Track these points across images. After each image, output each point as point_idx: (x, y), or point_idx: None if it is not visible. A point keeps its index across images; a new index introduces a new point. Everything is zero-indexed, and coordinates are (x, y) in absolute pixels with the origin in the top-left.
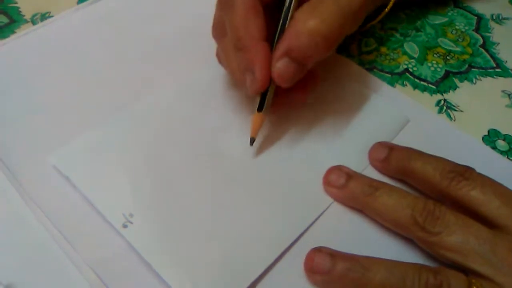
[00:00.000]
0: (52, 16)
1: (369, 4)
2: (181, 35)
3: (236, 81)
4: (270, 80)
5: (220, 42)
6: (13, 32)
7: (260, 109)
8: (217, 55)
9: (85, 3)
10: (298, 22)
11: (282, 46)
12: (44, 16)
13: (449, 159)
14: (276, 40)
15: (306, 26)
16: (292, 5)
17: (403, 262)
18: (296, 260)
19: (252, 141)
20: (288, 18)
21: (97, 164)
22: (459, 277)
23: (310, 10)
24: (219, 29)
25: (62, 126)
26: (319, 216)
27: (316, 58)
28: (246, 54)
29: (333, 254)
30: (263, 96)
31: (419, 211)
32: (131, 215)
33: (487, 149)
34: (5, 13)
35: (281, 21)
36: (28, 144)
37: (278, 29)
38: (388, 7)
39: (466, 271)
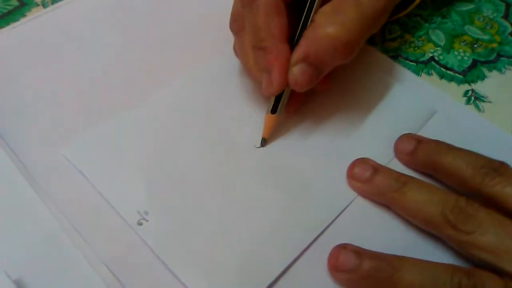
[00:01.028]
0: (63, 0)
1: (392, 5)
2: (196, 23)
3: (251, 78)
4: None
5: (238, 37)
6: (23, 15)
7: (273, 111)
8: (234, 48)
9: None
10: (317, 27)
11: (300, 51)
12: (55, 0)
13: (479, 153)
14: (295, 43)
15: (326, 32)
16: (314, 7)
17: (434, 262)
18: (318, 257)
19: (263, 142)
20: (309, 20)
21: (110, 158)
22: (494, 279)
23: (331, 15)
24: (238, 23)
25: (73, 116)
26: (341, 212)
27: (334, 64)
28: (266, 55)
29: (359, 252)
30: (278, 98)
31: (450, 208)
32: (146, 213)
33: None
34: None
35: (301, 23)
36: (40, 135)
37: (298, 32)
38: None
39: (500, 273)
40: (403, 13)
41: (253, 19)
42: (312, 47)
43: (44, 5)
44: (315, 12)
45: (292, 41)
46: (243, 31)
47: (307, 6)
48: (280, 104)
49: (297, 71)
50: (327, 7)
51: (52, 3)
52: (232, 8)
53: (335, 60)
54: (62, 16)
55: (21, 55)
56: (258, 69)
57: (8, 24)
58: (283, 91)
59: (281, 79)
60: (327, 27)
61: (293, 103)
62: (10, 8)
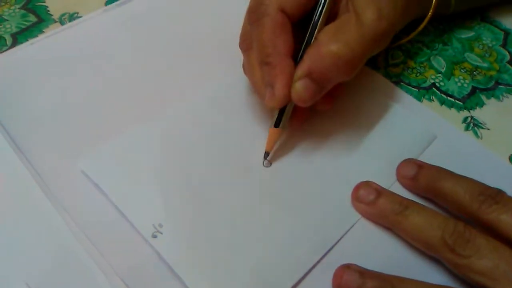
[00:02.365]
0: (80, 17)
1: (394, 28)
2: (210, 42)
3: (257, 94)
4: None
5: (246, 55)
6: (41, 31)
7: (277, 124)
8: (243, 66)
9: (113, 4)
10: (321, 45)
11: (303, 67)
12: (72, 17)
13: (475, 178)
14: (298, 59)
15: (328, 49)
16: (318, 26)
17: (433, 284)
18: (323, 276)
19: (266, 155)
20: (313, 38)
21: (126, 172)
22: None
23: (334, 33)
24: (246, 42)
25: (90, 129)
26: (346, 232)
27: (336, 81)
28: (271, 69)
29: (363, 272)
30: (281, 111)
31: (449, 232)
32: (161, 225)
33: None
34: (33, 12)
35: (305, 41)
36: (57, 147)
37: (302, 49)
38: (420, 26)
39: None
40: (405, 39)
41: (260, 35)
42: (315, 64)
43: (62, 22)
44: (319, 31)
45: (297, 57)
46: (251, 49)
47: (311, 24)
48: (283, 118)
49: (300, 86)
50: (330, 26)
51: (70, 20)
52: (242, 28)
53: (337, 77)
54: (78, 33)
55: (39, 70)
56: (263, 84)
57: (27, 39)
58: (287, 105)
59: (283, 93)
60: (330, 45)
61: (298, 119)
62: (28, 24)
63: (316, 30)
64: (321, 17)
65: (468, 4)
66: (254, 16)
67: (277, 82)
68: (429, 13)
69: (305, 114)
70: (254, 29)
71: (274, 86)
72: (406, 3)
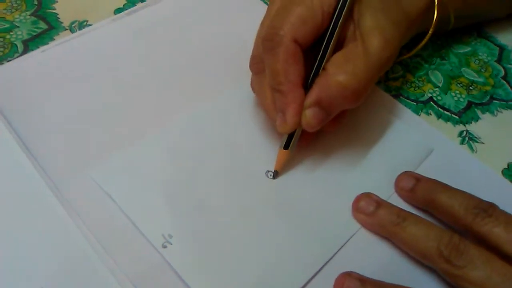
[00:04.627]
0: (90, 25)
1: (396, 52)
2: (216, 55)
3: (267, 114)
4: None
5: (257, 77)
6: (52, 38)
7: (286, 147)
8: (252, 86)
9: (122, 13)
10: (329, 75)
11: (312, 96)
12: (82, 25)
13: (470, 191)
14: (308, 87)
15: (336, 80)
16: (326, 56)
17: None
18: (325, 284)
19: (275, 174)
20: (321, 68)
21: (137, 182)
22: None
23: (341, 64)
24: (258, 65)
25: (101, 138)
26: (347, 241)
27: (343, 109)
28: (282, 97)
29: (363, 280)
30: (290, 136)
31: (444, 244)
32: (170, 236)
33: (506, 182)
34: (44, 19)
35: (313, 71)
36: (70, 156)
37: (310, 78)
38: (421, 43)
39: None
40: (406, 56)
41: (274, 64)
42: (324, 93)
43: (72, 30)
44: (327, 61)
45: (306, 83)
46: (262, 73)
47: (320, 55)
48: (292, 142)
49: (309, 114)
50: (338, 56)
51: (79, 28)
52: (253, 51)
53: (344, 105)
54: (88, 42)
55: (51, 77)
56: (274, 108)
57: (37, 47)
58: (295, 130)
59: (294, 120)
60: (337, 76)
61: (305, 140)
62: (39, 31)
63: (325, 60)
64: (330, 47)
65: (467, 21)
66: (269, 44)
67: (289, 111)
68: (430, 31)
69: (312, 136)
70: (268, 58)
71: (285, 114)
72: (408, 24)
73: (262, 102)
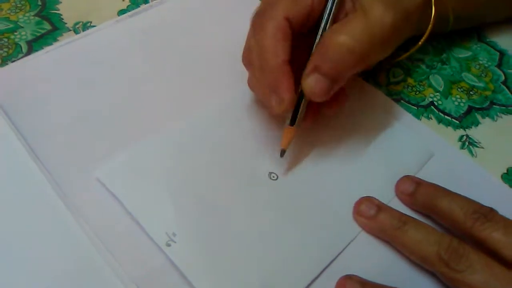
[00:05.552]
0: (94, 26)
1: (399, 32)
2: (220, 54)
3: (264, 104)
4: (302, 95)
5: (250, 70)
6: (55, 39)
7: (292, 123)
8: (249, 82)
9: (125, 15)
10: (325, 38)
11: (311, 62)
12: (86, 26)
13: (470, 195)
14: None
15: (332, 41)
16: (326, 28)
17: None
18: (326, 286)
19: (282, 153)
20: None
21: (140, 181)
22: None
23: (338, 28)
24: (249, 58)
25: (104, 138)
26: (348, 244)
27: (346, 73)
28: (270, 74)
29: (364, 283)
30: (295, 111)
31: (444, 248)
32: (174, 234)
33: (506, 187)
34: (48, 19)
35: (315, 42)
36: (73, 156)
37: (313, 49)
38: (420, 42)
39: None
40: (406, 55)
41: (261, 40)
42: (322, 57)
43: (75, 31)
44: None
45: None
46: (253, 64)
47: (321, 27)
48: (298, 117)
49: (311, 81)
50: (337, 24)
51: (83, 29)
52: (246, 44)
53: (346, 68)
54: (92, 43)
55: (55, 78)
56: (267, 92)
57: (41, 47)
58: (300, 105)
59: (288, 96)
60: (333, 37)
61: (309, 119)
62: (43, 31)
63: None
64: (329, 21)
65: (466, 24)
66: (258, 20)
67: (280, 86)
68: (430, 26)
69: (315, 113)
70: (257, 33)
71: (277, 92)
72: (407, 16)
73: (258, 93)
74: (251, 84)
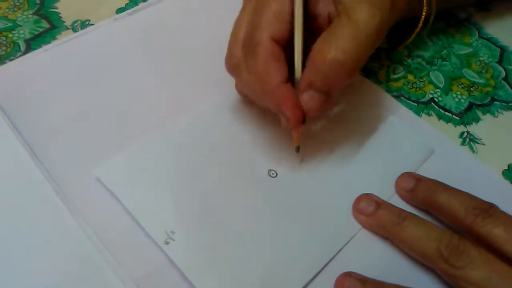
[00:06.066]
0: (92, 25)
1: (387, 24)
2: (219, 52)
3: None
4: None
5: (240, 79)
6: (54, 38)
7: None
8: (237, 87)
9: (124, 13)
10: (315, 54)
11: (304, 80)
12: (84, 24)
13: (470, 192)
14: (293, 74)
15: (323, 57)
16: (300, 38)
17: None
18: (326, 284)
19: (297, 149)
20: (299, 52)
21: (139, 179)
22: None
23: (326, 40)
24: (238, 66)
25: (104, 136)
26: (347, 242)
27: (339, 85)
28: (272, 97)
29: (363, 280)
30: None
31: (444, 244)
32: (173, 232)
33: (507, 183)
34: (46, 17)
35: (295, 56)
36: (72, 155)
37: (295, 63)
38: (417, 28)
39: None
40: (403, 45)
41: (254, 65)
42: (314, 74)
43: (74, 29)
44: (303, 43)
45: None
46: (243, 73)
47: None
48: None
49: (306, 98)
50: (323, 34)
51: (82, 28)
52: (229, 52)
53: (338, 81)
54: (90, 41)
55: (53, 77)
56: (273, 110)
57: (40, 46)
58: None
59: (295, 113)
60: (324, 53)
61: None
62: (41, 30)
63: (301, 43)
64: (300, 28)
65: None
66: (248, 44)
67: (285, 109)
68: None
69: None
70: (247, 58)
71: (283, 112)
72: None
73: (258, 102)
74: (242, 92)
